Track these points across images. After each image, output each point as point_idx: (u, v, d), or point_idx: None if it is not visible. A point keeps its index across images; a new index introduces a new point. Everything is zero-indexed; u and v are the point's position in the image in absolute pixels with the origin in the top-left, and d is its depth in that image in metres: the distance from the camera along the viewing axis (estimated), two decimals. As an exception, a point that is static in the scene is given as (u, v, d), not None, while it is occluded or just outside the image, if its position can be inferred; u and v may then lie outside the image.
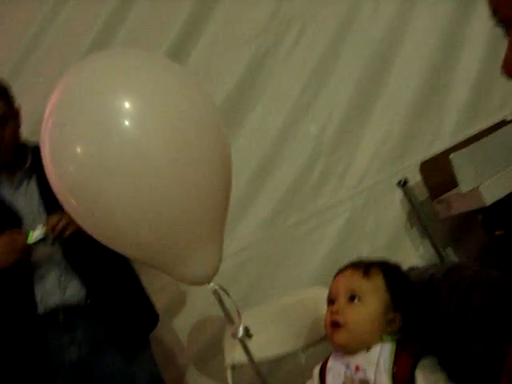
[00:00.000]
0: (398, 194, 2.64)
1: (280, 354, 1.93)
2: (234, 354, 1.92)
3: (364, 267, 1.40)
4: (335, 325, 1.36)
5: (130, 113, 1.24)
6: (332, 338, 1.38)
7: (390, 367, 1.29)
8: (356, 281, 1.38)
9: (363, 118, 2.71)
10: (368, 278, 1.38)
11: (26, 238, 1.85)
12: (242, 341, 1.56)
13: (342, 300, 1.38)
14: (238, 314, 1.53)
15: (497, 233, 2.41)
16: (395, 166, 2.70)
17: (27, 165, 1.97)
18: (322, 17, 2.68)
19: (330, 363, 1.42)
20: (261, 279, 2.61)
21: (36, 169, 1.90)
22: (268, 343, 1.88)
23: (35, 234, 1.85)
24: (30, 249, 1.87)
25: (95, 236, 1.37)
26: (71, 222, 1.76)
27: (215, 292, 1.50)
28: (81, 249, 1.88)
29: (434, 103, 2.75)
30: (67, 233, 1.83)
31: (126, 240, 1.34)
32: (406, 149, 2.72)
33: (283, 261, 2.61)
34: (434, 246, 2.57)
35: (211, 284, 1.48)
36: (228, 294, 1.51)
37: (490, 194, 2.26)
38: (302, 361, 2.55)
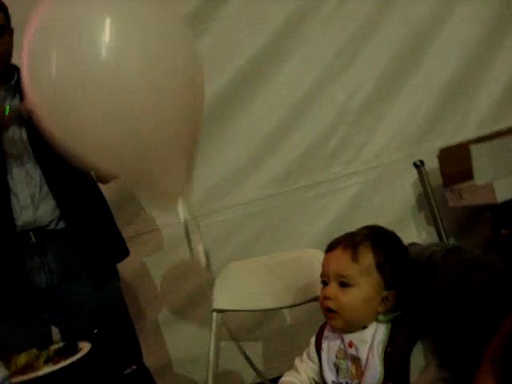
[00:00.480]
0: (412, 176, 2.63)
1: (267, 308, 1.96)
2: (223, 299, 1.95)
3: (353, 247, 1.37)
4: (329, 310, 1.37)
5: (106, 29, 1.29)
6: (329, 321, 1.40)
7: (383, 349, 1.30)
8: (345, 265, 1.36)
9: (391, 94, 2.69)
10: (357, 261, 1.36)
11: (4, 111, 1.89)
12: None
13: (333, 285, 1.37)
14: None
15: (502, 231, 2.41)
16: (414, 147, 2.68)
17: (13, 82, 1.98)
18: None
19: (326, 332, 1.43)
20: (262, 234, 2.63)
21: (20, 89, 1.91)
22: (257, 295, 1.90)
23: (12, 108, 1.91)
24: (5, 121, 1.91)
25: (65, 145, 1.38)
26: None
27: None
28: (59, 170, 1.90)
29: (465, 93, 2.72)
30: None
31: (96, 150, 1.37)
32: (429, 133, 2.70)
33: (287, 221, 2.62)
34: (438, 232, 2.56)
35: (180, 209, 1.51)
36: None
37: (503, 193, 2.25)
38: (287, 318, 2.60)
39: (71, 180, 1.94)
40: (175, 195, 1.52)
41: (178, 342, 2.62)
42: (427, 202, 2.58)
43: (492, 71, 2.73)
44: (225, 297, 1.93)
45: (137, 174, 1.47)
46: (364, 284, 1.35)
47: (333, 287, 1.37)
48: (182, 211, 1.53)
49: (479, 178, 2.27)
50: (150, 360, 2.17)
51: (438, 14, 2.70)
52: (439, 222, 2.56)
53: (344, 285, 1.35)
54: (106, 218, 2.12)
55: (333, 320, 1.37)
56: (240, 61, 2.60)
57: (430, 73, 2.70)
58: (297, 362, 1.50)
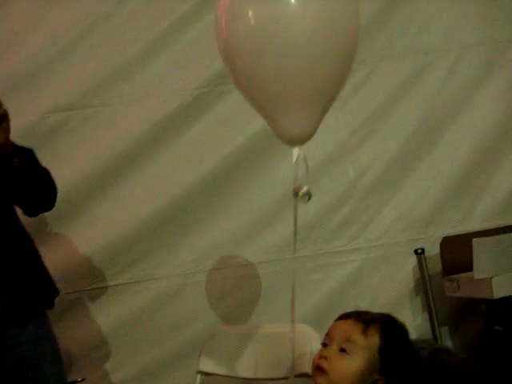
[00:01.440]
0: (413, 260, 2.65)
1: (252, 378, 1.97)
2: (209, 362, 1.97)
3: (365, 323, 1.41)
4: (320, 369, 1.39)
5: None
6: (314, 378, 1.41)
7: None
8: (353, 334, 1.40)
9: (401, 176, 2.73)
10: (365, 336, 1.39)
11: None
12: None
13: (334, 347, 1.40)
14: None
15: (496, 328, 2.42)
16: (419, 232, 2.70)
17: None
18: (390, 68, 2.72)
19: None
20: (254, 300, 2.64)
21: None
22: (243, 363, 1.92)
23: None
24: None
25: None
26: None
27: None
28: None
29: (474, 184, 2.75)
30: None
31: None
32: (434, 219, 2.72)
33: (283, 288, 2.63)
34: (431, 322, 2.58)
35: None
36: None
37: (501, 289, 2.26)
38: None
39: None
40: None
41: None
42: (424, 290, 2.60)
43: (504, 165, 2.77)
44: (211, 360, 1.95)
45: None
46: (362, 359, 1.37)
47: (333, 350, 1.40)
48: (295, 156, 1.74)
49: (478, 273, 2.29)
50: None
51: (455, 102, 2.76)
52: (433, 312, 2.58)
53: (344, 352, 1.38)
54: (33, 258, 2.10)
55: (319, 378, 1.39)
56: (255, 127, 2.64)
57: (442, 160, 2.74)
58: None
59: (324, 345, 1.44)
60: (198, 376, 1.93)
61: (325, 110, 1.70)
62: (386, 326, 1.43)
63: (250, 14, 1.54)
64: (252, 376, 1.95)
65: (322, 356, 1.40)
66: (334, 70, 1.63)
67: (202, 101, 2.64)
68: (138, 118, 2.63)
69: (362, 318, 1.43)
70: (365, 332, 1.40)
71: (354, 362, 1.37)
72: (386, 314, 1.49)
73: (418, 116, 2.74)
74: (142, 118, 2.64)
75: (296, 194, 1.67)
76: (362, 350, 1.38)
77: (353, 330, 1.41)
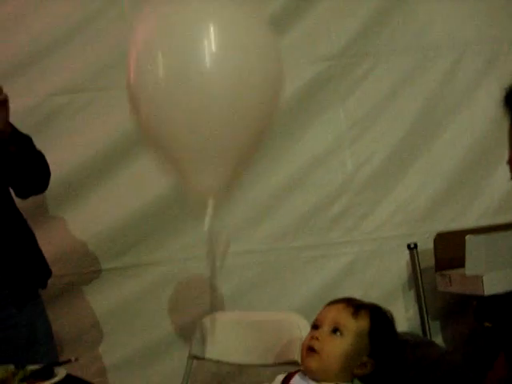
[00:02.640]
0: (407, 255, 2.68)
1: (243, 363, 2.00)
2: (201, 347, 1.99)
3: (356, 307, 1.45)
4: (311, 349, 1.42)
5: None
6: (304, 360, 1.44)
7: None
8: (344, 316, 1.43)
9: (399, 171, 2.75)
10: (356, 318, 1.43)
11: None
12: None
13: (325, 329, 1.43)
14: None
15: (485, 324, 2.44)
16: (413, 227, 2.73)
17: None
18: (392, 63, 2.74)
19: (295, 379, 1.47)
20: (248, 288, 2.67)
21: None
22: (235, 349, 1.94)
23: None
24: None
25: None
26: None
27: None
28: None
29: (471, 182, 2.79)
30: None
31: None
32: (429, 215, 2.75)
33: (277, 278, 2.67)
34: (421, 314, 2.61)
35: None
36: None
37: (491, 286, 2.30)
38: (262, 376, 2.62)
39: None
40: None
41: (148, 378, 2.64)
42: (415, 286, 2.64)
43: (501, 165, 2.76)
44: (203, 345, 1.98)
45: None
46: (352, 340, 1.41)
47: (324, 331, 1.43)
48: (208, 218, 1.65)
49: (470, 269, 2.32)
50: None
51: (455, 100, 2.79)
52: (423, 306, 2.61)
53: (335, 331, 1.42)
54: (27, 238, 2.13)
55: (310, 359, 1.42)
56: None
57: (440, 157, 2.77)
58: None
59: (314, 327, 1.47)
60: (190, 360, 1.95)
61: (239, 163, 1.67)
62: (375, 312, 1.47)
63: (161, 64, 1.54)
64: (243, 362, 1.97)
65: (313, 337, 1.44)
66: (248, 127, 1.60)
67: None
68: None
69: (353, 303, 1.47)
70: (355, 315, 1.43)
71: (344, 343, 1.41)
72: (374, 303, 1.52)
73: (417, 112, 2.77)
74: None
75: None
76: (352, 332, 1.42)
77: (344, 312, 1.44)
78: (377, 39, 2.73)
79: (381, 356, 1.42)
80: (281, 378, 1.50)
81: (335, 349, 1.41)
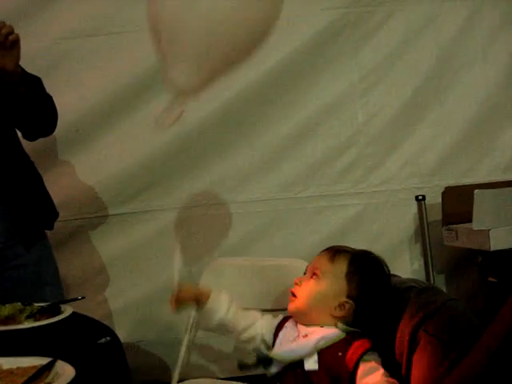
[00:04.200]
0: (414, 208, 2.68)
1: (246, 308, 2.01)
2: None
3: (334, 252, 1.52)
4: (293, 295, 1.52)
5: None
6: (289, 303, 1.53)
7: (324, 345, 1.42)
8: (322, 261, 1.52)
9: (410, 124, 2.73)
10: (332, 262, 1.50)
11: None
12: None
13: (307, 275, 1.53)
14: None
15: (489, 279, 2.45)
16: (423, 181, 2.72)
17: None
18: (407, 12, 2.69)
19: (288, 323, 1.55)
20: (256, 236, 2.68)
21: None
22: (239, 294, 1.94)
23: None
24: None
25: None
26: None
27: None
28: None
29: (483, 137, 2.76)
30: (11, 37, 1.87)
31: None
32: (439, 169, 2.74)
33: (285, 227, 2.67)
34: (426, 270, 2.62)
35: None
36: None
37: (497, 241, 2.30)
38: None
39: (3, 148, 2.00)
40: None
41: (153, 323, 2.67)
42: (422, 239, 2.64)
43: (513, 122, 2.77)
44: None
45: None
46: (328, 282, 1.49)
47: (305, 277, 1.53)
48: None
49: (477, 224, 2.32)
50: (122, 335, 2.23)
51: (470, 53, 2.75)
52: (429, 260, 2.62)
53: (313, 277, 1.50)
54: (35, 180, 2.15)
55: (290, 303, 1.52)
56: (268, 65, 2.64)
57: (452, 111, 2.74)
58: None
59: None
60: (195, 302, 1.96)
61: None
62: (357, 256, 1.52)
63: None
64: (248, 307, 1.98)
65: (295, 283, 1.53)
66: None
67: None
68: (149, 47, 2.60)
69: (335, 249, 1.54)
70: (332, 259, 1.51)
71: (319, 285, 1.49)
72: (366, 250, 1.57)
73: (430, 64, 2.73)
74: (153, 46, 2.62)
75: None
76: (328, 274, 1.49)
77: (322, 258, 1.52)
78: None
79: (360, 298, 1.46)
80: (276, 321, 1.58)
81: (309, 289, 1.49)
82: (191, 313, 1.97)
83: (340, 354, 1.41)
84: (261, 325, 1.58)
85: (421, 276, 2.65)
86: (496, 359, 1.03)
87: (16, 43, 1.90)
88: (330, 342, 1.43)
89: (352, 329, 1.46)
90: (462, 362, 1.06)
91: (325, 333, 1.45)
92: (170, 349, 2.46)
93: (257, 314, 1.62)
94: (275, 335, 1.54)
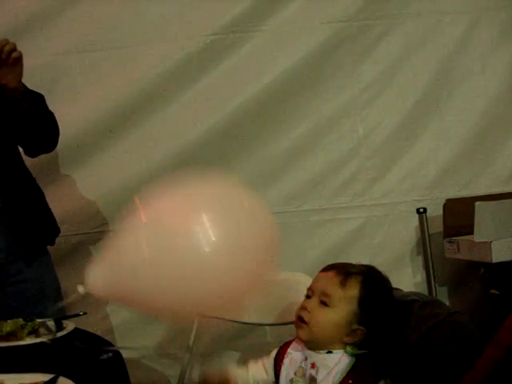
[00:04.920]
0: (416, 221, 2.67)
1: (248, 322, 2.01)
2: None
3: (344, 275, 1.46)
4: (301, 320, 1.46)
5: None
6: (297, 331, 1.48)
7: (340, 379, 1.39)
8: (332, 287, 1.45)
9: (410, 137, 2.73)
10: (344, 288, 1.45)
11: None
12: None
13: (314, 300, 1.46)
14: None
15: (491, 291, 2.44)
16: (423, 193, 2.72)
17: None
18: (406, 26, 2.70)
19: (291, 348, 1.51)
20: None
21: None
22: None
23: None
24: None
25: None
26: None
27: None
28: None
29: (485, 148, 2.76)
30: (14, 55, 1.89)
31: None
32: (440, 182, 2.73)
33: (284, 242, 2.60)
34: (428, 283, 2.61)
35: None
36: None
37: (499, 253, 2.30)
38: (267, 336, 2.64)
39: (2, 158, 2.02)
40: None
41: (155, 339, 2.65)
42: (423, 251, 2.63)
43: (513, 133, 2.77)
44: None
45: None
46: (341, 310, 1.44)
47: (313, 302, 1.46)
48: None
49: (479, 236, 2.32)
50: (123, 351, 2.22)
51: (468, 66, 2.75)
52: (431, 273, 2.61)
53: (324, 304, 1.44)
54: (36, 196, 2.16)
55: (300, 330, 1.46)
56: (269, 78, 2.66)
57: (452, 123, 2.74)
58: (250, 363, 1.58)
59: (307, 297, 1.50)
60: (197, 317, 1.96)
61: None
62: (367, 277, 1.48)
63: None
64: (249, 320, 1.98)
65: (303, 307, 1.47)
66: None
67: (217, 47, 2.62)
68: (150, 62, 2.63)
69: (343, 271, 1.48)
70: (343, 284, 1.45)
71: (334, 314, 1.44)
72: (369, 265, 1.54)
73: (430, 77, 2.73)
74: (154, 61, 2.63)
75: None
76: (339, 301, 1.44)
77: (332, 282, 1.46)
78: (392, 2, 2.69)
79: (371, 323, 1.44)
80: (274, 353, 1.54)
81: (323, 319, 1.44)
82: (193, 328, 1.96)
83: (350, 382, 1.39)
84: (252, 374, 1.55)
85: (423, 289, 2.63)
86: (500, 370, 1.03)
87: (19, 60, 1.92)
88: (344, 373, 1.40)
89: (360, 352, 1.43)
90: (468, 373, 1.06)
91: (337, 365, 1.41)
92: (172, 364, 2.46)
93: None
94: (277, 364, 1.51)
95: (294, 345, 1.51)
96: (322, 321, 1.44)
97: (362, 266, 1.54)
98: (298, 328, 1.47)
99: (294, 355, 1.49)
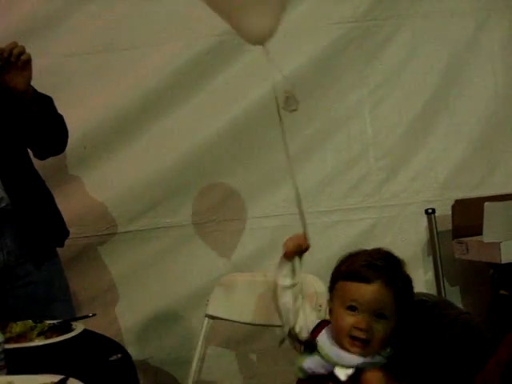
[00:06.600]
0: (425, 221, 2.66)
1: (257, 323, 2.00)
2: (216, 307, 2.00)
3: (394, 288, 1.45)
4: (362, 340, 1.42)
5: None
6: (352, 348, 1.43)
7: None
8: (386, 300, 1.44)
9: (420, 137, 2.73)
10: (398, 301, 1.45)
11: None
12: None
13: (366, 315, 1.43)
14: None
15: (501, 291, 2.43)
16: (433, 194, 2.71)
17: None
18: (416, 26, 2.70)
19: (322, 335, 1.51)
20: (266, 252, 2.63)
21: None
22: (250, 310, 1.95)
23: None
24: None
25: None
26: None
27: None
28: (7, 157, 2.00)
29: (493, 150, 2.75)
30: (23, 57, 1.90)
31: None
32: (450, 182, 2.73)
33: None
34: (438, 281, 2.60)
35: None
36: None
37: (509, 254, 2.29)
38: (276, 340, 2.64)
39: (18, 166, 2.04)
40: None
41: (164, 340, 2.65)
42: (432, 251, 2.62)
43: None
44: (219, 305, 1.99)
45: None
46: (394, 316, 1.43)
47: (367, 318, 1.42)
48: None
49: (488, 236, 2.31)
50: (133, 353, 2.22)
51: (479, 64, 2.75)
52: (440, 273, 2.60)
53: (381, 316, 1.43)
54: (46, 198, 2.16)
55: (357, 348, 1.42)
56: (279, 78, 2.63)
57: (462, 123, 2.74)
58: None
59: (351, 308, 1.45)
60: (206, 320, 1.97)
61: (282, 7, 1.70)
62: (397, 274, 1.51)
63: None
64: (258, 322, 1.98)
65: (358, 327, 1.42)
66: None
67: (225, 48, 2.61)
68: (158, 63, 2.63)
69: (390, 281, 1.46)
70: (397, 298, 1.44)
71: (390, 323, 1.43)
72: (387, 254, 1.60)
73: (439, 77, 2.73)
74: (162, 62, 2.63)
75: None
76: (393, 308, 1.44)
77: (384, 295, 1.44)
78: (400, 2, 2.69)
79: (401, 318, 1.44)
80: (311, 326, 1.54)
81: (385, 334, 1.42)
82: (202, 328, 1.96)
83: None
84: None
85: (432, 289, 2.63)
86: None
87: (28, 63, 1.92)
88: (374, 366, 1.41)
89: (390, 352, 1.44)
90: (479, 374, 1.06)
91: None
92: (181, 366, 2.45)
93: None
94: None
95: (324, 334, 1.50)
96: (384, 336, 1.42)
97: (383, 260, 1.56)
98: (354, 346, 1.43)
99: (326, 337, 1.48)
